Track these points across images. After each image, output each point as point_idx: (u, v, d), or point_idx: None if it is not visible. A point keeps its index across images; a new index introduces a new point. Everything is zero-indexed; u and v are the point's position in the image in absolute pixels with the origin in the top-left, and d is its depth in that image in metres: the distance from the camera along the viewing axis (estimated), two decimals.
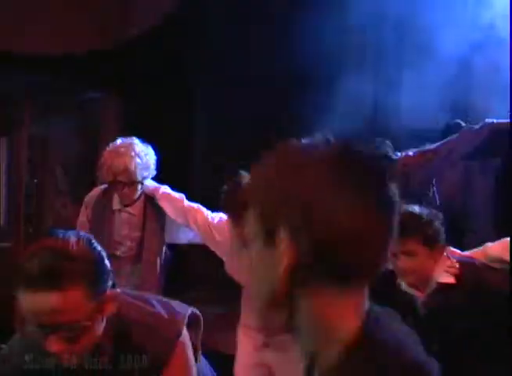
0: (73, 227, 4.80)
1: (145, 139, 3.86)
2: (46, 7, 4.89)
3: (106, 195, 3.10)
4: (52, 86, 5.43)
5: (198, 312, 1.73)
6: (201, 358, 1.73)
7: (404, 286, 2.46)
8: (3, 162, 5.39)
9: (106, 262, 1.46)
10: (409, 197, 3.97)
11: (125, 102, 5.80)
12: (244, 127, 5.40)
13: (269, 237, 0.87)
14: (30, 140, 5.54)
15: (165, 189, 3.06)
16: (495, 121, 3.78)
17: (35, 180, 5.58)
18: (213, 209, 3.19)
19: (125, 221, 3.04)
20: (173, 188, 3.36)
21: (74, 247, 1.40)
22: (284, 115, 5.19)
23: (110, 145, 2.98)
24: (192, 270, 5.53)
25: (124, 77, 5.47)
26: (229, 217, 2.80)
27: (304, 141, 1.00)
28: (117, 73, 5.38)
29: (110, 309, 1.46)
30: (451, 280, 2.41)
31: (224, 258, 2.86)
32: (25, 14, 4.80)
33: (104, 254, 1.47)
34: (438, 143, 4.07)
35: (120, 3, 5.44)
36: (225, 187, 2.99)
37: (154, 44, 5.46)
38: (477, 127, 3.90)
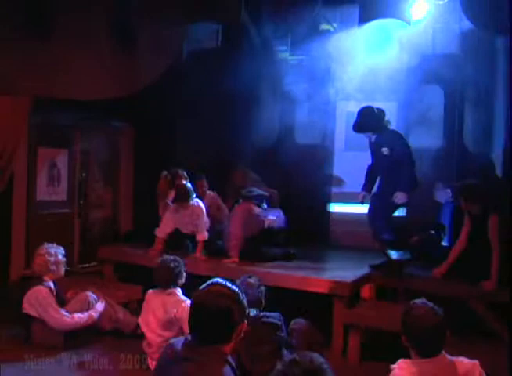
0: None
1: (146, 153, 5.65)
2: (88, 71, 5.58)
3: None
4: (91, 118, 6.35)
5: None
6: None
7: None
8: (66, 163, 6.49)
9: None
10: None
11: (136, 130, 7.00)
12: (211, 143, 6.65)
13: None
14: (81, 151, 6.70)
15: None
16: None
17: (83, 174, 6.76)
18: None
19: None
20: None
21: None
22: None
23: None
24: None
25: (135, 114, 6.56)
26: None
27: None
28: (132, 111, 6.42)
29: None
30: None
31: None
32: (80, 76, 5.53)
33: None
34: None
35: (135, 66, 5.96)
36: None
37: (156, 92, 6.18)
38: None
